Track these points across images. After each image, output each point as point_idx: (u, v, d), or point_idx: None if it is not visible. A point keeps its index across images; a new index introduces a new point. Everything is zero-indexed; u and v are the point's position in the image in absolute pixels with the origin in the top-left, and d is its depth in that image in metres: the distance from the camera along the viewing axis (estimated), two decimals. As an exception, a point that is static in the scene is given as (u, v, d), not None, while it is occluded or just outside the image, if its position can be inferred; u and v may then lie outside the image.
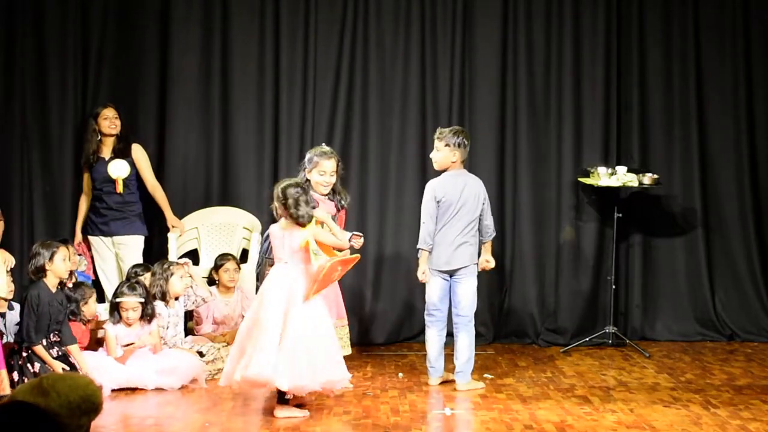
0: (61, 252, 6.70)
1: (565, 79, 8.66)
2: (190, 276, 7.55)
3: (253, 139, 8.55)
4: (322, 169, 6.83)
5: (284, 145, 8.55)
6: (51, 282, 6.66)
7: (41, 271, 6.63)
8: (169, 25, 8.46)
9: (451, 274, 6.96)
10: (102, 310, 7.54)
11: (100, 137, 8.05)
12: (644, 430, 5.91)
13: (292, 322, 6.08)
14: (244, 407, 6.58)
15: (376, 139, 8.62)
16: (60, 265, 6.69)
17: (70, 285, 7.15)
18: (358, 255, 6.62)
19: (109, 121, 8.03)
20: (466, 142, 6.96)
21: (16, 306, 6.93)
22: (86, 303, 7.16)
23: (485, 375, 7.29)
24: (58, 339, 6.70)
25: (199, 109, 8.52)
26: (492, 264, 7.16)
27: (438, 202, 6.93)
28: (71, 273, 7.57)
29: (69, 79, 8.37)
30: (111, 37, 8.43)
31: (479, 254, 7.06)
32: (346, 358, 6.45)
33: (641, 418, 6.15)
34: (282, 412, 6.18)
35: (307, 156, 6.92)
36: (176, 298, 7.47)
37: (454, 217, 6.91)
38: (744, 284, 8.82)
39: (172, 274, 7.35)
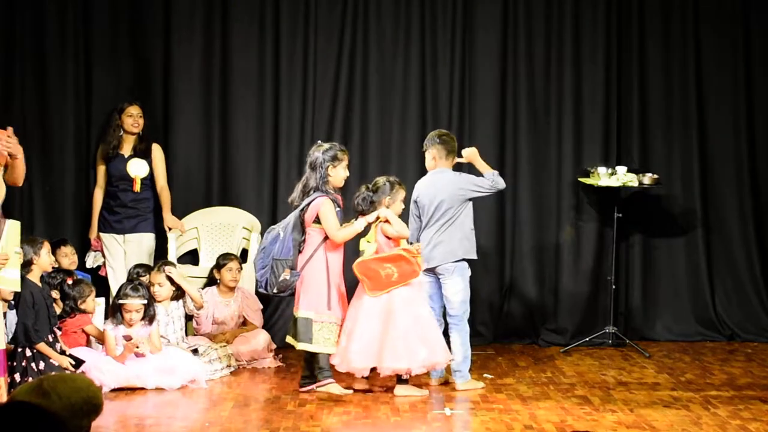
0: (46, 246, 6.73)
1: (565, 80, 8.66)
2: (180, 287, 7.56)
3: (253, 139, 8.56)
4: (346, 164, 6.86)
5: (284, 145, 8.55)
6: (35, 277, 6.66)
7: (28, 265, 6.64)
8: (170, 25, 8.45)
9: (436, 273, 6.99)
10: (98, 309, 7.52)
11: (122, 133, 8.05)
12: (644, 430, 5.91)
13: (363, 312, 6.68)
14: (244, 407, 6.58)
15: (376, 139, 8.62)
16: (45, 259, 6.72)
17: (70, 282, 7.16)
18: (404, 255, 6.74)
19: (133, 119, 8.03)
20: (437, 140, 7.04)
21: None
22: (84, 301, 7.16)
23: (485, 375, 7.29)
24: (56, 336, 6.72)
25: (200, 109, 8.52)
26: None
27: (415, 202, 7.06)
28: (71, 272, 7.59)
29: (69, 79, 8.37)
30: (111, 38, 8.43)
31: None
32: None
33: (641, 418, 6.14)
34: (401, 390, 6.69)
35: (324, 154, 6.75)
36: (175, 299, 7.50)
37: (432, 217, 6.98)
38: (744, 284, 8.82)
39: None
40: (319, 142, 6.99)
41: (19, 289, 6.20)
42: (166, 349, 7.16)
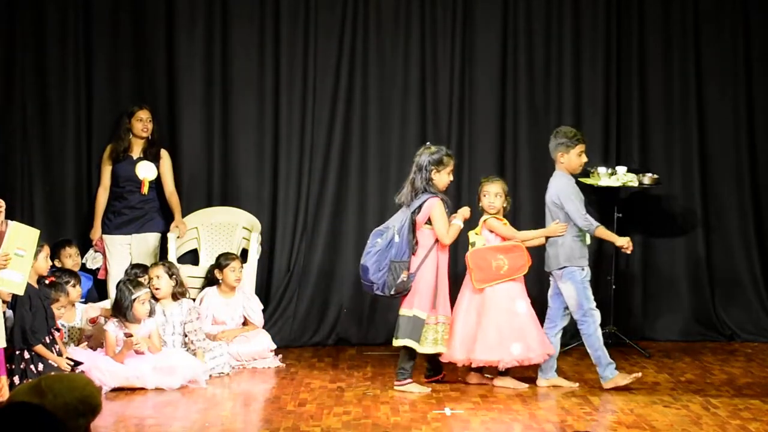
0: (45, 250, 6.74)
1: (565, 79, 8.66)
2: (181, 284, 7.56)
3: (253, 140, 8.56)
4: (451, 169, 6.96)
5: (284, 146, 8.55)
6: (32, 279, 6.66)
7: None
8: (172, 25, 8.45)
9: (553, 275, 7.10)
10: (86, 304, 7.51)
11: (131, 136, 8.07)
12: (644, 430, 5.91)
13: (464, 306, 6.94)
14: (244, 407, 6.59)
15: (376, 139, 8.62)
16: (42, 263, 6.72)
17: (47, 282, 7.17)
18: (519, 244, 6.95)
19: (143, 124, 8.06)
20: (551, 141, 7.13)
21: None
22: (52, 302, 7.19)
23: (485, 375, 7.28)
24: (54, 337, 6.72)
25: (200, 109, 8.52)
26: (620, 243, 7.18)
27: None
28: (74, 272, 7.59)
29: (70, 79, 8.37)
30: (113, 38, 8.43)
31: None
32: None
33: (641, 418, 6.14)
34: (500, 382, 6.94)
35: (429, 157, 6.87)
36: (175, 297, 7.49)
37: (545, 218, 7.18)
38: (744, 284, 8.81)
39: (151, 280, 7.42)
40: (428, 144, 7.07)
41: (20, 293, 6.20)
42: (166, 349, 7.16)
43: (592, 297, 7.05)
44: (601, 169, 8.24)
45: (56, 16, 8.35)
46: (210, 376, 7.18)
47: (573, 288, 6.98)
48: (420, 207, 6.85)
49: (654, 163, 8.70)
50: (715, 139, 8.81)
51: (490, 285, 6.91)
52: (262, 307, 8.02)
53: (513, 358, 6.87)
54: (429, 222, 6.87)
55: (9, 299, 6.49)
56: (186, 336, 7.38)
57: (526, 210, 8.64)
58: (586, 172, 8.44)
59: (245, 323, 7.91)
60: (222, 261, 7.87)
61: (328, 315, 8.57)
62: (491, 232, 7.03)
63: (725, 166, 8.81)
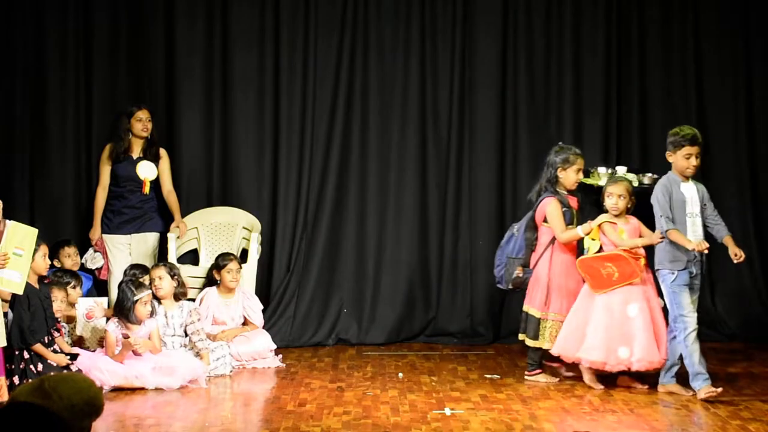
0: (43, 249, 6.73)
1: (565, 79, 8.67)
2: (182, 284, 7.55)
3: (253, 139, 8.56)
4: (579, 167, 7.07)
5: (284, 146, 8.56)
6: (32, 279, 6.66)
7: None
8: (172, 24, 8.46)
9: None
10: (92, 302, 7.51)
11: (130, 136, 8.07)
12: (644, 430, 5.91)
13: (582, 304, 6.88)
14: (244, 407, 6.58)
15: (376, 139, 8.63)
16: (40, 262, 6.72)
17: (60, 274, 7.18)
18: (621, 253, 6.81)
19: (142, 124, 8.07)
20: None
21: None
22: (73, 290, 7.19)
23: (486, 375, 7.29)
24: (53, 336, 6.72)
25: (200, 109, 8.52)
26: (691, 248, 6.69)
27: None
28: (75, 272, 7.59)
29: (69, 80, 8.38)
30: (113, 39, 8.43)
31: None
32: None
33: (641, 418, 6.14)
34: (587, 377, 6.91)
35: (556, 156, 7.05)
36: (177, 298, 7.48)
37: None
38: (744, 284, 8.81)
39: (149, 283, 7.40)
40: (561, 143, 7.25)
41: (20, 292, 6.20)
42: (166, 350, 7.16)
43: (686, 302, 6.70)
44: (601, 169, 8.25)
45: (56, 16, 8.35)
46: (213, 375, 7.20)
47: (665, 291, 6.84)
48: (538, 206, 7.04)
49: (654, 163, 8.68)
50: (715, 139, 8.81)
51: (606, 291, 6.81)
52: (262, 307, 8.02)
53: (619, 362, 6.76)
54: (547, 221, 7.03)
55: (9, 299, 6.49)
56: (188, 337, 7.38)
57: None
58: (586, 172, 8.45)
59: (245, 323, 7.91)
60: (220, 261, 7.88)
61: (328, 315, 8.57)
62: (605, 235, 6.98)
63: (725, 166, 8.82)
